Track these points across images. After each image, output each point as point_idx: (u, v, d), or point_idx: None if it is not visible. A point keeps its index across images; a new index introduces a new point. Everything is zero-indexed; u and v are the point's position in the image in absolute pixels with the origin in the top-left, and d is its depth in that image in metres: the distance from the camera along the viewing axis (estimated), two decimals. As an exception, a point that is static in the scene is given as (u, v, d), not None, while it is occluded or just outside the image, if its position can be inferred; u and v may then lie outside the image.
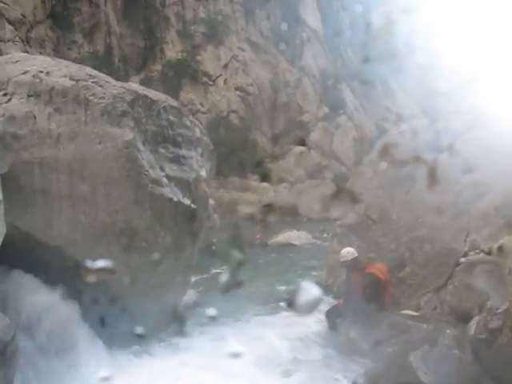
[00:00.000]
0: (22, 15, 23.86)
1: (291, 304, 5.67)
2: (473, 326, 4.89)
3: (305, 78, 29.39)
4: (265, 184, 24.66)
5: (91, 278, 2.80)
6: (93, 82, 5.49)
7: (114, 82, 5.75)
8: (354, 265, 6.25)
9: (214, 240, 13.16)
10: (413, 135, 8.34)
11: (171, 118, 6.14)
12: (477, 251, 5.84)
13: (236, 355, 3.84)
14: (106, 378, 3.58)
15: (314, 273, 9.56)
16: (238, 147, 22.74)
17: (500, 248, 4.61)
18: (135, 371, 5.04)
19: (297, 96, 28.83)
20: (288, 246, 14.30)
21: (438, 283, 6.18)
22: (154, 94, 6.02)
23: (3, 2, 22.46)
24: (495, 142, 6.31)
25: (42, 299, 5.05)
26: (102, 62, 21.81)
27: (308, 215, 21.65)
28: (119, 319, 5.12)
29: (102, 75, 5.90)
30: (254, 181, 24.61)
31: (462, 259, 5.97)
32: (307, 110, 28.75)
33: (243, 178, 23.80)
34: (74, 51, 24.33)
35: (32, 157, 5.24)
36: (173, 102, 6.25)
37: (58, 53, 22.73)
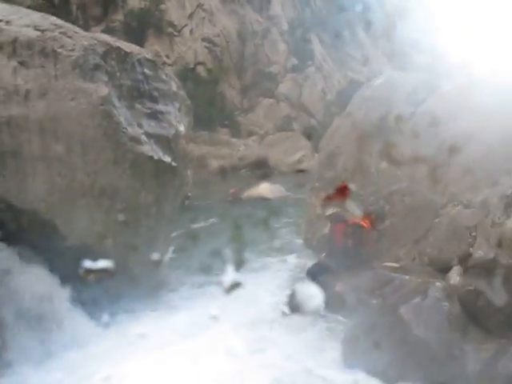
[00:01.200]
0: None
1: (294, 309, 5.66)
2: (453, 275, 5.03)
3: (273, 28, 28.53)
4: (234, 138, 24.35)
5: (91, 279, 2.66)
6: (60, 33, 5.09)
7: (82, 32, 5.36)
8: (338, 217, 6.27)
9: (189, 194, 13.01)
10: (390, 88, 8.28)
11: (146, 71, 5.83)
12: (455, 203, 5.94)
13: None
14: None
15: (293, 227, 9.63)
16: (206, 100, 22.17)
17: (483, 201, 4.67)
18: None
19: (265, 47, 28.07)
20: (262, 199, 14.29)
21: (418, 235, 6.29)
22: (126, 46, 5.67)
23: None
24: (474, 93, 6.31)
25: (18, 270, 4.85)
26: (59, 12, 20.43)
27: (279, 168, 21.62)
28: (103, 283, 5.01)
29: (69, 25, 5.48)
30: (223, 134, 24.22)
31: (441, 211, 6.07)
32: (275, 61, 28.10)
33: (212, 132, 23.37)
34: (26, -1, 22.74)
35: (-2, 116, 4.91)
36: (147, 54, 5.91)
37: (8, 0, 21.17)
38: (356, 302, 5.01)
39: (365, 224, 6.17)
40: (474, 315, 4.07)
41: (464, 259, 4.97)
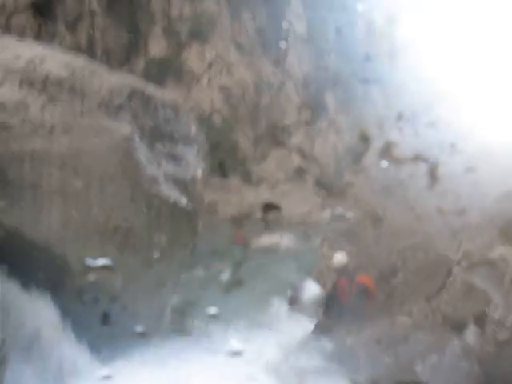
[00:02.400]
0: (3, 2, 23.13)
1: (293, 302, 5.53)
2: (469, 335, 4.88)
3: (288, 81, 29.34)
4: (246, 185, 24.50)
5: (91, 277, 2.65)
6: (89, 72, 5.28)
7: (112, 74, 5.55)
8: (344, 271, 6.18)
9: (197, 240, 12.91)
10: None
11: (168, 113, 5.97)
12: (470, 260, 5.86)
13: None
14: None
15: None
16: (220, 147, 22.51)
17: (502, 259, 4.60)
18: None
19: (279, 98, 28.76)
20: (271, 248, 14.16)
21: (431, 291, 6.17)
22: (151, 89, 5.85)
23: (-19, -12, 21.73)
24: (494, 144, 6.35)
25: (27, 302, 4.79)
26: (85, 55, 21.20)
27: (290, 218, 21.59)
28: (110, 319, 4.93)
29: (97, 65, 5.69)
30: (234, 182, 24.41)
31: (456, 268, 5.98)
32: (289, 113, 28.71)
33: (224, 179, 23.60)
34: (55, 42, 23.66)
35: (22, 148, 4.99)
36: (170, 98, 6.09)
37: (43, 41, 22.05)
38: (368, 358, 4.84)
39: (370, 284, 6.07)
40: (494, 378, 3.90)
41: (480, 319, 4.84)
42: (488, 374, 3.95)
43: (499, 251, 5.18)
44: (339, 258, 6.22)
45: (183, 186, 5.60)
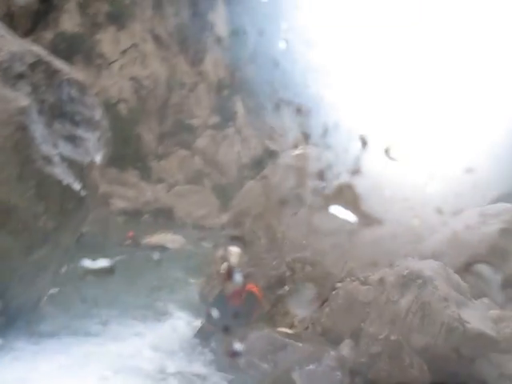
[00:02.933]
0: None
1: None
2: (344, 347, 5.15)
3: (201, 84, 29.23)
4: (143, 181, 23.87)
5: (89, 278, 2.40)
6: (-9, 32, 4.78)
7: (15, 38, 5.08)
8: (231, 277, 6.22)
9: (84, 230, 12.28)
10: (306, 161, 8.69)
11: (73, 92, 5.60)
12: (353, 278, 6.20)
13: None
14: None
15: (192, 280, 9.38)
16: (122, 138, 21.73)
17: (381, 280, 4.93)
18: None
19: (190, 99, 28.52)
20: (161, 248, 13.91)
21: (314, 304, 6.43)
22: (58, 62, 5.44)
23: None
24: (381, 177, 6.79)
25: None
26: (-18, 16, 19.38)
27: (184, 220, 21.40)
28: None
29: (2, 27, 5.17)
30: (132, 176, 23.67)
31: (338, 284, 6.29)
32: (198, 115, 28.59)
33: (122, 172, 22.78)
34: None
35: None
36: (78, 76, 5.71)
37: None
38: (248, 366, 4.89)
39: (257, 292, 6.18)
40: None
41: (356, 333, 5.13)
42: (359, 382, 4.20)
43: (379, 272, 5.56)
44: (235, 250, 6.21)
45: (79, 170, 5.25)
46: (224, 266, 6.37)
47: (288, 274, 7.16)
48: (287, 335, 5.78)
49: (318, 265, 6.80)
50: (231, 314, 5.94)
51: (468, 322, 4.61)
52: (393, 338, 4.29)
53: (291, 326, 6.44)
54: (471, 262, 5.72)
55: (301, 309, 6.44)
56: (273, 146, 28.28)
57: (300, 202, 7.60)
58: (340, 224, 6.93)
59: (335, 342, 5.27)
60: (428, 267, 5.22)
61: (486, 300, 5.33)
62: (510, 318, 4.90)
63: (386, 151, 5.11)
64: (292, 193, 7.76)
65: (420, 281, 4.99)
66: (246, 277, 6.49)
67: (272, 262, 7.44)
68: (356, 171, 5.52)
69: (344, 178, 7.23)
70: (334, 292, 6.29)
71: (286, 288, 6.98)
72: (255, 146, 30.89)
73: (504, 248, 5.85)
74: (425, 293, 4.82)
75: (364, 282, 5.90)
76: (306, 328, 6.26)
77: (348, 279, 6.18)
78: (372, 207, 6.12)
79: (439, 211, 5.96)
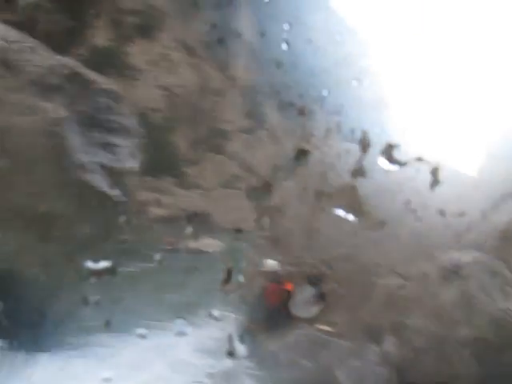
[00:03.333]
0: None
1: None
2: (387, 343, 5.08)
3: (233, 88, 29.17)
4: (178, 188, 24.11)
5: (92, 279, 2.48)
6: (27, 47, 4.96)
7: (49, 52, 5.25)
8: (273, 278, 6.27)
9: (124, 238, 12.51)
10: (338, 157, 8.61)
11: (106, 101, 5.73)
12: (392, 273, 6.12)
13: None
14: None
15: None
16: (157, 146, 21.96)
17: (422, 273, 4.84)
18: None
19: (222, 104, 28.52)
20: (200, 252, 14.01)
21: (354, 301, 6.37)
22: (91, 73, 5.59)
23: None
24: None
25: None
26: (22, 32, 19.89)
27: (220, 224, 21.50)
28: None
29: (37, 42, 5.36)
30: (168, 183, 23.94)
31: (379, 280, 6.21)
32: (230, 120, 28.54)
33: (157, 179, 23.06)
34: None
35: None
36: (110, 86, 5.84)
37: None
38: (289, 364, 4.89)
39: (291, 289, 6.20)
40: (408, 382, 4.09)
41: (398, 329, 5.06)
42: (404, 377, 4.13)
43: (420, 266, 5.46)
44: (270, 263, 6.29)
45: (117, 177, 5.37)
46: (265, 266, 6.42)
47: (327, 271, 7.11)
48: (328, 333, 5.74)
49: (357, 261, 6.72)
50: (270, 314, 5.98)
51: (512, 312, 4.46)
52: (436, 331, 4.20)
53: (332, 325, 6.39)
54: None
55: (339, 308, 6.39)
56: (305, 146, 28.09)
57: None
58: (382, 217, 6.85)
59: (377, 339, 5.21)
60: (471, 258, 5.09)
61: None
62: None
63: (389, 152, 5.03)
64: (327, 189, 7.72)
65: (464, 273, 4.87)
66: (283, 276, 6.52)
67: (310, 261, 7.40)
68: (358, 172, 5.35)
69: (346, 179, 7.11)
70: (374, 288, 6.22)
71: (327, 286, 6.95)
72: (288, 147, 30.67)
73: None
74: (469, 285, 4.71)
75: (405, 277, 5.81)
76: (348, 325, 6.21)
77: (387, 274, 6.10)
78: (375, 209, 6.01)
79: (442, 213, 5.80)
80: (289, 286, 6.29)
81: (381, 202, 6.24)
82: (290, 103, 5.98)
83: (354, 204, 6.07)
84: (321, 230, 7.84)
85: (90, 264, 2.20)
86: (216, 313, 7.36)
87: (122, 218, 6.41)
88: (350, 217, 5.63)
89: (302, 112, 5.12)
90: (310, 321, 6.36)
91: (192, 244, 12.54)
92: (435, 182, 4.10)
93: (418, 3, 6.51)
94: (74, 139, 4.90)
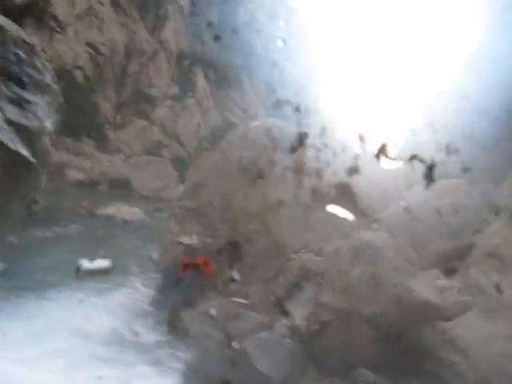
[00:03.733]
0: None
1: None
2: (296, 316, 5.24)
3: (161, 52, 28.21)
4: (100, 152, 23.14)
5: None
6: None
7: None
8: (188, 250, 6.32)
9: (39, 200, 11.94)
10: (265, 133, 8.64)
11: (21, 53, 5.32)
12: (307, 250, 6.29)
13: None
14: None
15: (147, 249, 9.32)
16: (78, 106, 20.88)
17: (334, 251, 5.01)
18: None
19: (149, 68, 27.56)
20: (117, 219, 13.65)
21: (268, 275, 6.50)
22: (7, 23, 5.13)
23: None
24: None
25: None
26: None
27: (141, 191, 21.02)
28: None
29: None
30: (88, 146, 22.88)
31: (293, 255, 6.37)
32: (157, 85, 27.72)
33: (77, 141, 21.96)
34: None
35: None
36: (27, 37, 5.41)
37: None
38: (200, 332, 4.92)
39: (205, 266, 6.29)
40: (314, 354, 4.28)
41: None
42: (310, 349, 4.31)
43: (332, 244, 5.66)
44: (188, 239, 6.29)
45: (27, 135, 5.04)
46: (183, 240, 6.41)
47: (245, 245, 7.19)
48: (241, 305, 5.84)
49: (272, 236, 6.84)
50: (178, 284, 6.03)
51: (415, 291, 4.77)
52: (343, 306, 4.40)
53: (246, 297, 6.50)
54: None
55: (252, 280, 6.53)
56: (232, 118, 28.01)
57: (258, 174, 7.58)
58: (292, 196, 6.99)
59: (286, 312, 5.36)
60: (380, 239, 5.35)
61: (434, 271, 5.53)
62: (454, 287, 5.11)
63: (383, 150, 5.13)
64: (250, 164, 7.73)
65: (371, 251, 5.11)
66: (197, 250, 6.55)
67: (227, 233, 7.44)
68: (354, 170, 5.49)
69: (341, 177, 7.25)
70: (288, 263, 6.38)
71: (242, 259, 7.04)
72: (215, 118, 30.44)
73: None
74: (375, 263, 4.95)
75: (318, 253, 5.99)
76: (260, 298, 6.35)
77: (302, 250, 6.27)
78: (369, 206, 6.20)
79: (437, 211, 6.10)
80: (200, 260, 6.23)
81: (376, 200, 6.33)
82: (286, 101, 5.73)
83: (349, 201, 6.10)
84: (241, 203, 7.63)
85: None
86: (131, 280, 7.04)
87: (33, 178, 5.95)
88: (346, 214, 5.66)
89: (297, 109, 4.98)
90: (225, 293, 6.34)
91: (109, 210, 12.01)
92: (431, 180, 4.24)
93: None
94: (-19, 91, 4.53)
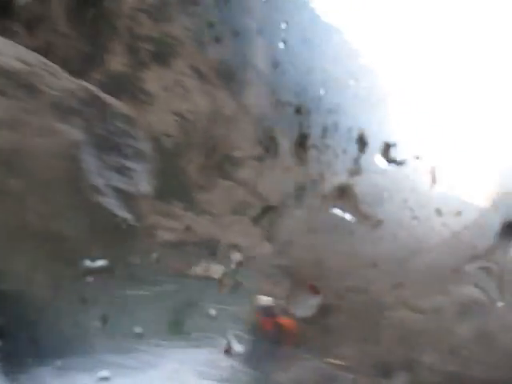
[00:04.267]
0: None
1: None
2: (398, 379, 4.92)
3: (244, 116, 29.42)
4: (188, 213, 24.10)
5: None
6: (46, 71, 5.07)
7: (68, 76, 5.37)
8: (267, 311, 6.26)
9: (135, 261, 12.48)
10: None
11: (122, 125, 5.81)
12: (405, 307, 5.99)
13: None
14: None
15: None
16: (167, 171, 22.14)
17: (436, 308, 4.72)
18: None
19: (234, 131, 28.75)
20: (208, 278, 13.90)
21: (365, 335, 6.23)
22: (108, 98, 5.70)
23: None
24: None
25: None
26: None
27: (228, 250, 21.43)
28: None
29: (56, 66, 5.48)
30: (177, 208, 23.95)
31: (391, 313, 6.09)
32: (241, 147, 28.73)
33: (166, 203, 23.11)
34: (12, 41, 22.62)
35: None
36: (127, 110, 5.95)
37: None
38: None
39: (289, 325, 6.14)
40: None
41: (409, 364, 4.91)
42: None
43: (434, 301, 5.34)
44: (264, 299, 6.25)
45: (130, 200, 5.41)
46: (259, 301, 6.37)
47: (336, 303, 6.99)
48: (338, 367, 5.60)
49: (367, 293, 6.60)
50: (261, 346, 5.91)
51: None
52: (452, 369, 4.07)
53: (342, 358, 6.25)
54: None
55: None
56: (316, 175, 28.11)
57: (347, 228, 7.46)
58: (391, 251, 6.76)
59: (387, 374, 5.06)
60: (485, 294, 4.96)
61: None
62: None
63: (386, 152, 4.93)
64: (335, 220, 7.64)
65: (482, 308, 4.73)
66: (278, 310, 6.46)
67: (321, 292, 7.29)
68: (355, 172, 5.28)
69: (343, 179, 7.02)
70: (385, 321, 6.09)
71: (335, 318, 6.82)
72: (298, 176, 30.73)
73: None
74: (488, 321, 4.57)
75: (416, 310, 5.68)
76: (357, 359, 6.06)
77: (400, 308, 5.98)
78: (371, 208, 5.89)
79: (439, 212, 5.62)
80: (281, 320, 6.14)
81: (378, 201, 6.07)
82: (288, 102, 5.77)
83: (351, 203, 5.91)
84: (331, 260, 7.56)
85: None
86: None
87: (133, 242, 6.29)
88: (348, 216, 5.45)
89: (298, 111, 5.00)
90: (319, 354, 6.15)
91: (198, 269, 12.17)
92: (433, 181, 4.00)
93: (415, 2, 6.23)
94: (90, 162, 4.96)
